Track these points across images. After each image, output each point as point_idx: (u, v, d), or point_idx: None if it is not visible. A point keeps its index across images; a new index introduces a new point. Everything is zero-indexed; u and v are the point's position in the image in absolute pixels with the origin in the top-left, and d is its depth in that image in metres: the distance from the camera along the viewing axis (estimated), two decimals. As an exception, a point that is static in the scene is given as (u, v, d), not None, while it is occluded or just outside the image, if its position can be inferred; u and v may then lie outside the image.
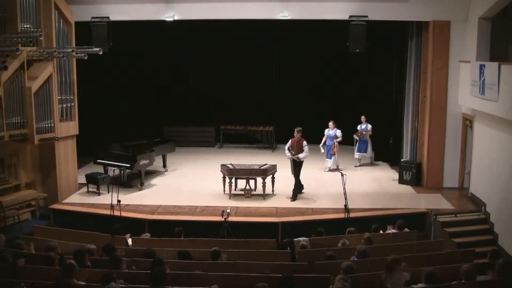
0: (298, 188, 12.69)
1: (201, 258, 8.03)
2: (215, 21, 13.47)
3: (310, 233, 9.60)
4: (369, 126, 15.14)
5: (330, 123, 14.78)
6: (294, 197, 12.51)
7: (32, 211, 11.92)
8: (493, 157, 11.06)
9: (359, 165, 15.40)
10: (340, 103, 17.28)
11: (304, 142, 12.37)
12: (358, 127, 15.33)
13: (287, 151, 12.53)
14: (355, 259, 7.83)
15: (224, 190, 12.79)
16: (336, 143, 14.68)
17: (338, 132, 14.68)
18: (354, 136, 15.39)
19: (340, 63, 16.92)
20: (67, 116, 12.40)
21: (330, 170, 14.77)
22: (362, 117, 15.32)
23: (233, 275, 7.13)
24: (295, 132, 12.51)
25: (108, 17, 12.99)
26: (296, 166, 12.51)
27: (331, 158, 14.83)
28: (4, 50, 10.26)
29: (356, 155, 15.46)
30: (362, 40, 12.63)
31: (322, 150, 14.91)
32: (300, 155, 12.31)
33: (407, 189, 13.38)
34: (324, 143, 14.88)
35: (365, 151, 15.38)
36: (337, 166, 14.89)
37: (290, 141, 12.58)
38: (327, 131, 14.81)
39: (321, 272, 7.31)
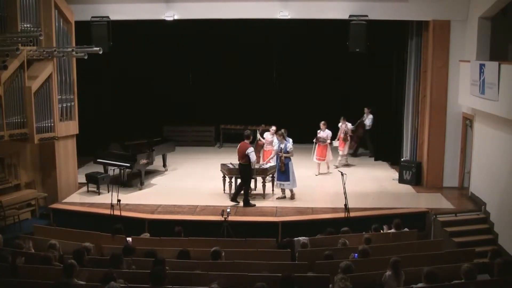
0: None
1: (201, 258, 8.02)
2: (215, 20, 13.44)
3: (310, 232, 9.59)
4: (289, 146, 12.19)
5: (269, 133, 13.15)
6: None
7: (32, 210, 11.89)
8: (493, 156, 11.04)
9: (281, 197, 12.48)
10: (340, 102, 17.25)
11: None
12: (276, 147, 12.53)
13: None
14: (355, 256, 7.83)
15: (224, 190, 12.76)
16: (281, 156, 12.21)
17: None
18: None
19: (339, 63, 16.88)
20: (67, 116, 12.38)
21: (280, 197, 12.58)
22: (283, 130, 12.55)
23: (233, 275, 7.12)
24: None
25: (108, 17, 12.96)
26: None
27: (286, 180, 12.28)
28: (4, 50, 10.24)
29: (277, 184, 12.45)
30: (362, 39, 12.60)
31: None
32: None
33: (407, 188, 13.35)
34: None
35: (287, 179, 12.25)
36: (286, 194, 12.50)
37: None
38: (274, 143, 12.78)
39: (321, 272, 7.29)
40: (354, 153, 16.54)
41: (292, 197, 12.46)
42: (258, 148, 14.07)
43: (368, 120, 16.06)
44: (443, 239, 9.96)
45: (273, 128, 13.78)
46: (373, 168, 15.40)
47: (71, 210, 11.67)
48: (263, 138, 13.99)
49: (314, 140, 14.32)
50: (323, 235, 9.47)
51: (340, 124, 15.17)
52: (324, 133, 14.28)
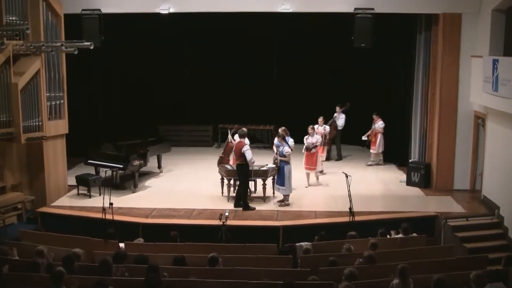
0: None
1: (198, 264, 8.02)
2: (213, 14, 13.43)
3: (313, 237, 9.58)
4: (286, 149, 12.01)
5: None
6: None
7: (19, 214, 11.89)
8: (507, 157, 11.02)
9: (283, 203, 12.27)
10: (343, 101, 17.22)
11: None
12: (275, 148, 12.49)
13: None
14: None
15: (222, 192, 12.76)
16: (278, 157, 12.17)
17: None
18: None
19: (344, 59, 16.84)
20: (56, 114, 12.36)
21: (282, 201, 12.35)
22: (280, 130, 12.36)
23: (232, 282, 7.10)
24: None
25: (99, 9, 12.92)
26: None
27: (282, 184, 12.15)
28: (-11, 44, 10.25)
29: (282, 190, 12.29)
30: (367, 34, 12.58)
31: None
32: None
33: (416, 191, 13.34)
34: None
35: (282, 184, 12.16)
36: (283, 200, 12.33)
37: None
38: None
39: (325, 279, 7.28)
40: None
41: (284, 202, 12.21)
42: (229, 150, 13.13)
43: (340, 120, 15.81)
44: (453, 245, 9.93)
45: (244, 129, 13.52)
46: (379, 169, 15.39)
47: (60, 214, 11.65)
48: (234, 140, 12.94)
49: (303, 151, 13.49)
50: (316, 240, 9.45)
51: (317, 126, 14.39)
52: (313, 138, 13.47)
